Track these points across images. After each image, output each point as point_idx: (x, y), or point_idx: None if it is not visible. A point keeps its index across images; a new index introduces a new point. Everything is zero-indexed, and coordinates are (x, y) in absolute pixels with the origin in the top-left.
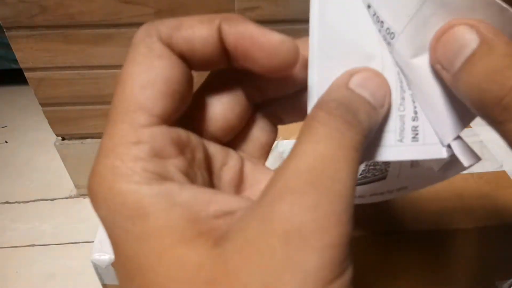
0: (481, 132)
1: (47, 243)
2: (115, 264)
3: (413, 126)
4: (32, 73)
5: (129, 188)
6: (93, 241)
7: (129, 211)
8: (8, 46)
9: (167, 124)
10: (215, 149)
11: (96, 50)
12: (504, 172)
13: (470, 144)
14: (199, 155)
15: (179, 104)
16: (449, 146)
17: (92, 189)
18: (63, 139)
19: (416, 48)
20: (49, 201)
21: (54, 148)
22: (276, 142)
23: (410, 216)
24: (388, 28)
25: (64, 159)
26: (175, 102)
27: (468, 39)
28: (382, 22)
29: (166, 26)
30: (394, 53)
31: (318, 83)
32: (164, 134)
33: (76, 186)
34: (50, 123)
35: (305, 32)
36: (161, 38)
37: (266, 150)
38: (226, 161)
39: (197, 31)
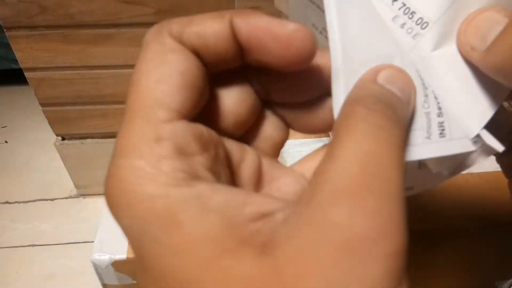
0: None
1: (47, 243)
2: (142, 280)
3: (439, 122)
4: (32, 73)
5: (157, 191)
6: (93, 241)
7: (160, 219)
8: (8, 46)
9: (187, 120)
10: (231, 145)
11: (96, 50)
12: None
13: None
14: (221, 152)
15: (197, 98)
16: (477, 137)
17: (111, 194)
18: (63, 139)
19: (442, 38)
20: (49, 201)
21: (54, 148)
22: None
23: (410, 216)
24: (420, 18)
25: (64, 159)
26: (193, 96)
27: (499, 18)
28: (413, 13)
29: (176, 23)
30: (414, 49)
31: (344, 85)
32: (186, 130)
33: (76, 186)
34: (50, 123)
35: None
36: (172, 34)
37: (278, 148)
38: (243, 158)
39: (208, 26)
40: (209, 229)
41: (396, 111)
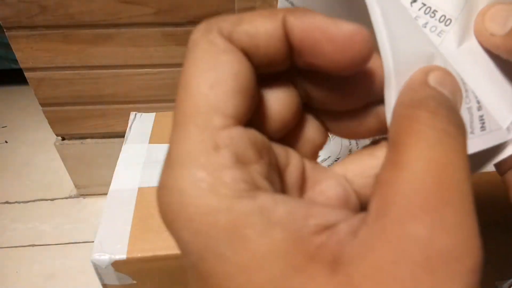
0: None
1: (47, 243)
2: None
3: (480, 116)
4: (32, 73)
5: (220, 205)
6: (93, 241)
7: (225, 234)
8: (8, 46)
9: (242, 125)
10: (278, 149)
11: (96, 50)
12: None
13: None
14: (272, 158)
15: (251, 102)
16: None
17: (169, 208)
18: (63, 139)
19: (464, 33)
20: (49, 201)
21: (54, 148)
22: None
23: None
24: (443, 16)
25: (64, 159)
26: (246, 100)
27: None
28: (434, 11)
29: (226, 21)
30: (440, 46)
31: (396, 88)
32: (243, 137)
33: (76, 186)
34: (50, 123)
35: None
36: (222, 33)
37: (318, 150)
38: (288, 161)
39: (260, 25)
40: (276, 244)
41: (457, 113)
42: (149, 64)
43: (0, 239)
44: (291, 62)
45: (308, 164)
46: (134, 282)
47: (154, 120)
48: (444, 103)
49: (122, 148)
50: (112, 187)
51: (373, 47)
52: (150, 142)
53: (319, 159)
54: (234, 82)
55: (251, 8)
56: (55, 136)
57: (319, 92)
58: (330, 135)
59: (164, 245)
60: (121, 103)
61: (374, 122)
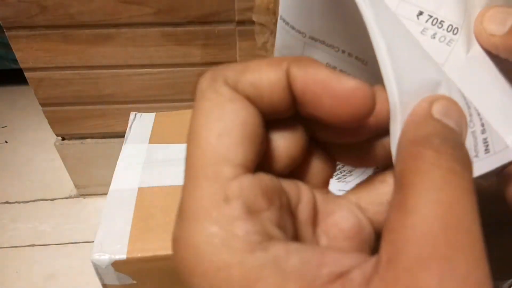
0: None
1: (47, 243)
2: None
3: (483, 139)
4: (32, 73)
5: (233, 259)
6: (93, 241)
7: None
8: (8, 46)
9: (251, 172)
10: (288, 186)
11: (96, 50)
12: None
13: None
14: (284, 199)
15: (259, 148)
16: None
17: (185, 262)
18: (63, 139)
19: (469, 40)
20: (49, 201)
21: (54, 148)
22: None
23: None
24: (450, 25)
25: (64, 159)
26: (255, 147)
27: (509, 10)
28: (442, 22)
29: (231, 70)
30: (451, 55)
31: (401, 121)
32: (253, 185)
33: (76, 186)
34: (50, 123)
35: None
36: (227, 82)
37: (328, 179)
38: (300, 198)
39: (264, 75)
40: None
41: (462, 149)
42: (149, 64)
43: (0, 239)
44: (296, 110)
45: (319, 196)
46: (134, 282)
47: (154, 120)
48: (449, 138)
49: (122, 148)
50: (112, 187)
51: (375, 104)
52: (150, 142)
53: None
54: (242, 131)
55: (251, 8)
56: (55, 136)
57: (324, 131)
58: None
59: (164, 245)
60: (121, 103)
61: (382, 152)
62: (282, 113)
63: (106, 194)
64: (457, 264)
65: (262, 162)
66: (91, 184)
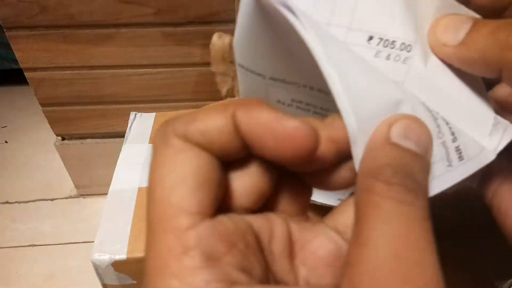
0: None
1: (47, 243)
2: None
3: (456, 147)
4: (32, 73)
5: None
6: (93, 241)
7: None
8: (8, 46)
9: (209, 217)
10: (257, 222)
11: (96, 50)
12: None
13: None
14: (250, 238)
15: (216, 192)
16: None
17: None
18: (63, 139)
19: (425, 53)
20: (49, 201)
21: (54, 148)
22: None
23: None
24: (402, 43)
25: (64, 159)
26: (211, 192)
27: (462, 18)
28: (393, 42)
29: (180, 121)
30: (409, 73)
31: (363, 148)
32: (210, 231)
33: (76, 186)
34: (50, 123)
35: None
36: (177, 134)
37: (305, 205)
38: (272, 232)
39: (211, 122)
40: None
41: (416, 176)
42: (149, 64)
43: (0, 239)
44: (248, 151)
45: (295, 226)
46: (134, 282)
47: (154, 120)
48: (402, 166)
49: (122, 148)
50: (112, 187)
51: (318, 141)
52: (150, 142)
53: None
54: (195, 179)
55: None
56: (55, 136)
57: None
58: None
59: None
60: (121, 103)
61: (350, 175)
62: (236, 155)
63: (106, 194)
64: None
65: (226, 202)
66: (91, 184)
